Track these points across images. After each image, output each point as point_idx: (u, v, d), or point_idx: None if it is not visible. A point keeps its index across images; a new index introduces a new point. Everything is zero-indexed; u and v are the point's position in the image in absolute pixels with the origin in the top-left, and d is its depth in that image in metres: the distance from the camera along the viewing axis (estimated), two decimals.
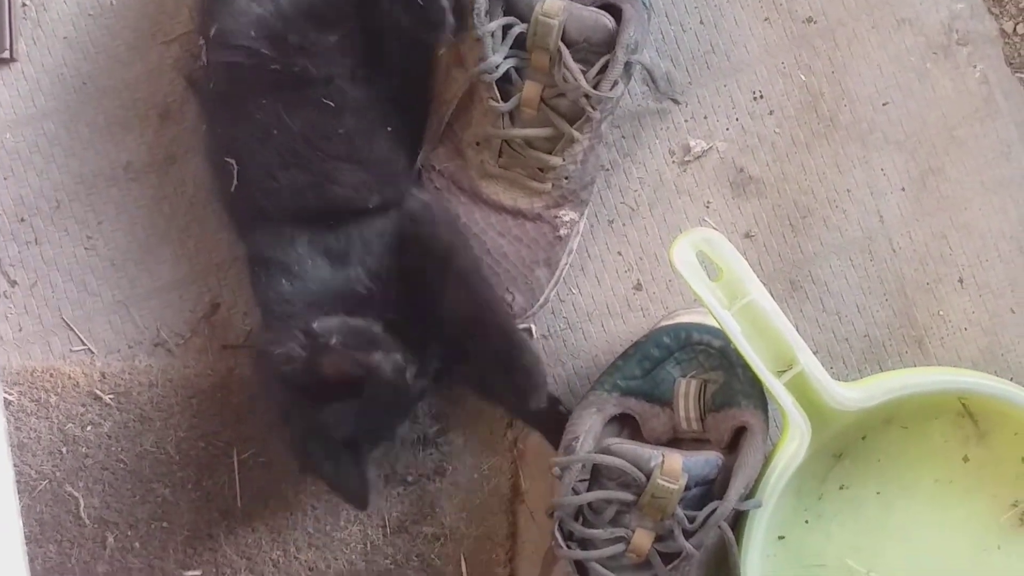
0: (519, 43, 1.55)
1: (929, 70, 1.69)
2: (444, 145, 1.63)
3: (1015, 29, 1.69)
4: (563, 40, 1.53)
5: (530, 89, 1.55)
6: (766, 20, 1.69)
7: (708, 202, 1.69)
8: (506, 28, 1.54)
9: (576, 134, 1.56)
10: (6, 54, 1.67)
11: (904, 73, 1.68)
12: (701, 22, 1.68)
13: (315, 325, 1.50)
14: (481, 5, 1.53)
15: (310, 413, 1.50)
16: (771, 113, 1.69)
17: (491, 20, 1.54)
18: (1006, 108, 1.68)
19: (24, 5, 1.69)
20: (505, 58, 1.55)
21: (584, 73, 1.54)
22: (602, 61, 1.54)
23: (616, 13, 1.55)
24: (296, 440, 1.54)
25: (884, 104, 1.68)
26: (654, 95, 1.67)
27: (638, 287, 1.69)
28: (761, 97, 1.69)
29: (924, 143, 1.68)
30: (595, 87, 1.54)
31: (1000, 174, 1.68)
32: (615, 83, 1.54)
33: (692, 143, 1.68)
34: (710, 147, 1.68)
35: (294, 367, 1.49)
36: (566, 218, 1.61)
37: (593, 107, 1.55)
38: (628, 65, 1.55)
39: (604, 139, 1.62)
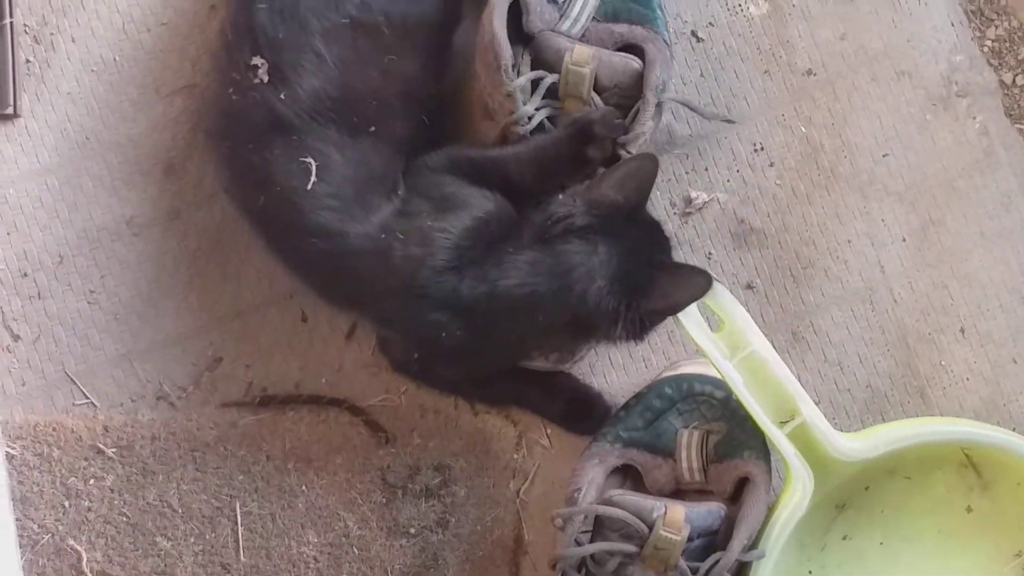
0: (551, 93, 1.56)
1: (929, 122, 1.69)
2: None
3: (1014, 81, 1.69)
4: (594, 88, 1.54)
5: None
6: (766, 73, 1.69)
7: (709, 253, 1.69)
8: (536, 81, 1.56)
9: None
10: (10, 110, 1.68)
11: (904, 125, 1.69)
12: (701, 75, 1.69)
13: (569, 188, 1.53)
14: (507, 61, 1.54)
15: None
16: (772, 165, 1.69)
17: (519, 75, 1.55)
18: (1006, 159, 1.69)
19: (28, 61, 1.69)
20: (537, 109, 1.56)
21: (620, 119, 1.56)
22: (636, 106, 1.55)
23: (639, 54, 1.57)
24: None
25: (884, 155, 1.69)
26: (707, 117, 1.68)
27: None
28: (762, 149, 1.69)
29: (924, 194, 1.69)
30: (627, 131, 1.55)
31: (1001, 225, 1.69)
32: (645, 122, 1.55)
33: (693, 195, 1.69)
34: (711, 198, 1.69)
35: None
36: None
37: (628, 151, 1.55)
38: (659, 105, 1.56)
39: None
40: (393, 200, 1.53)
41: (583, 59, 1.53)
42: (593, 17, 1.58)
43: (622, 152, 1.55)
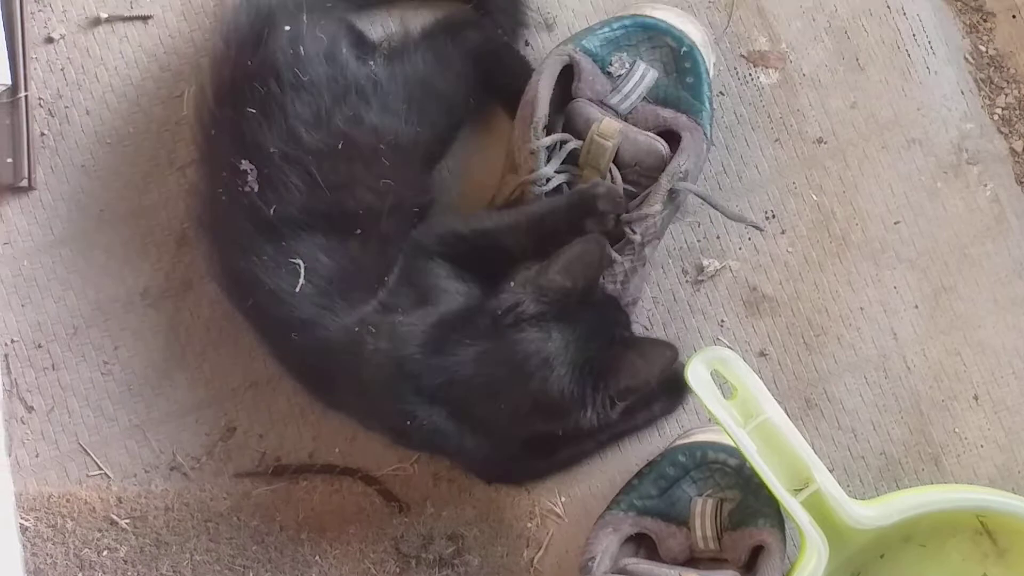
0: (572, 159, 1.57)
1: (940, 189, 1.70)
2: None
3: None
4: (615, 161, 1.55)
5: None
6: (776, 141, 1.70)
7: (722, 321, 1.69)
8: (561, 143, 1.56)
9: (616, 255, 1.57)
10: (24, 182, 1.69)
11: (915, 192, 1.69)
12: (713, 144, 1.69)
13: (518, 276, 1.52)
14: (539, 120, 1.55)
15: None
16: (783, 232, 1.69)
17: (547, 135, 1.56)
18: (1017, 226, 1.69)
19: (43, 134, 1.71)
20: (557, 172, 1.57)
21: (633, 196, 1.56)
22: (644, 193, 1.56)
23: (677, 140, 1.58)
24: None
25: (896, 223, 1.69)
26: (730, 217, 1.66)
27: None
28: (773, 217, 1.70)
29: (936, 261, 1.69)
30: (630, 210, 1.56)
31: (1013, 292, 1.69)
32: (653, 205, 1.56)
33: (705, 262, 1.69)
34: (723, 266, 1.69)
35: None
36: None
37: (633, 230, 1.56)
38: (674, 192, 1.57)
39: (649, 262, 1.63)
40: (378, 293, 1.55)
41: (609, 133, 1.54)
42: (644, 97, 1.59)
43: (627, 230, 1.56)
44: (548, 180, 1.57)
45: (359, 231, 1.54)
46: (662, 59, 1.61)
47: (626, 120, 1.58)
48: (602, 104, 1.58)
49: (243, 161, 1.53)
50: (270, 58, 1.54)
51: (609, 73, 1.59)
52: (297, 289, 1.52)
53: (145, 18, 1.72)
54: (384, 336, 1.51)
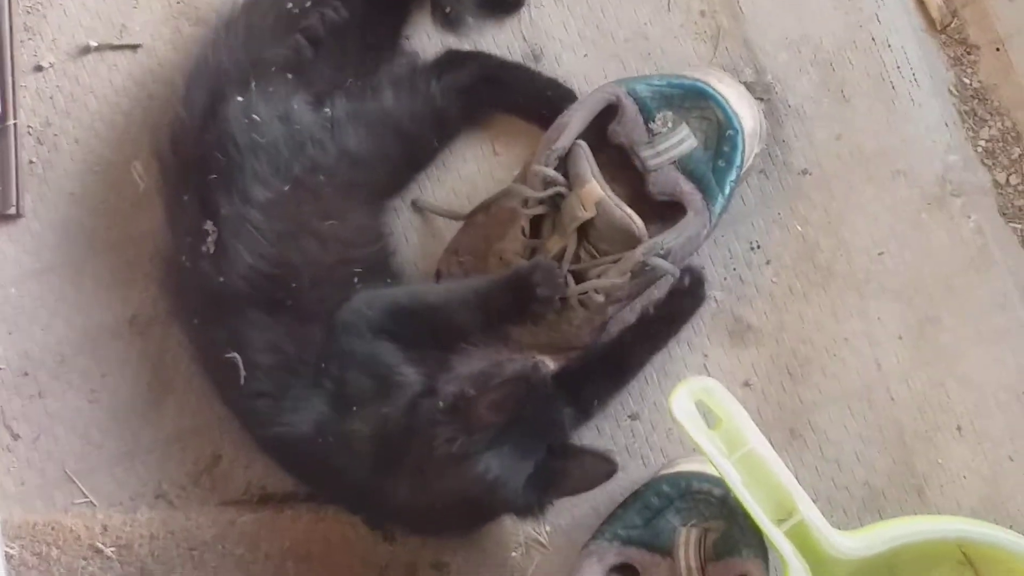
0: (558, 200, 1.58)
1: (924, 221, 1.70)
2: (472, 237, 1.67)
3: (1008, 180, 1.71)
4: (589, 225, 1.56)
5: (552, 243, 1.59)
6: (762, 172, 1.70)
7: (706, 351, 1.70)
8: (553, 184, 1.57)
9: (577, 304, 1.57)
10: (12, 210, 1.69)
11: (900, 224, 1.70)
12: (712, 232, 1.69)
13: (442, 392, 1.52)
14: (557, 149, 1.56)
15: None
16: (768, 263, 1.70)
17: (550, 167, 1.57)
18: (1001, 258, 1.70)
19: (31, 162, 1.71)
20: (542, 202, 1.58)
21: (601, 255, 1.58)
22: (616, 256, 1.57)
23: (681, 212, 1.58)
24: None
25: (880, 254, 1.70)
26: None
27: (637, 436, 1.69)
28: (758, 247, 1.70)
29: (921, 292, 1.69)
30: (605, 274, 1.57)
31: (996, 324, 1.69)
32: (622, 275, 1.57)
33: None
34: (708, 296, 1.69)
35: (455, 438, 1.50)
36: (547, 364, 1.61)
37: (597, 290, 1.57)
38: (647, 266, 1.57)
39: (613, 320, 1.64)
40: (324, 384, 1.56)
41: (588, 202, 1.55)
42: (674, 161, 1.59)
43: (592, 293, 1.57)
44: (534, 203, 1.58)
45: (290, 302, 1.55)
46: (706, 131, 1.60)
47: (648, 176, 1.59)
48: (632, 152, 1.59)
49: (207, 222, 1.55)
50: (227, 129, 1.56)
51: (649, 127, 1.59)
52: (241, 382, 1.55)
53: (134, 47, 1.73)
54: (344, 454, 1.55)
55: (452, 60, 1.69)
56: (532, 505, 1.52)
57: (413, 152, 1.67)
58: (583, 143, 1.57)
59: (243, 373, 1.54)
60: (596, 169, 1.56)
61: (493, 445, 1.49)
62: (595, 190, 1.55)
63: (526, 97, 1.70)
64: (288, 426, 1.54)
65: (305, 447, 1.55)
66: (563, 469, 1.52)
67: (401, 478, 1.53)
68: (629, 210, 1.55)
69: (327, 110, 1.60)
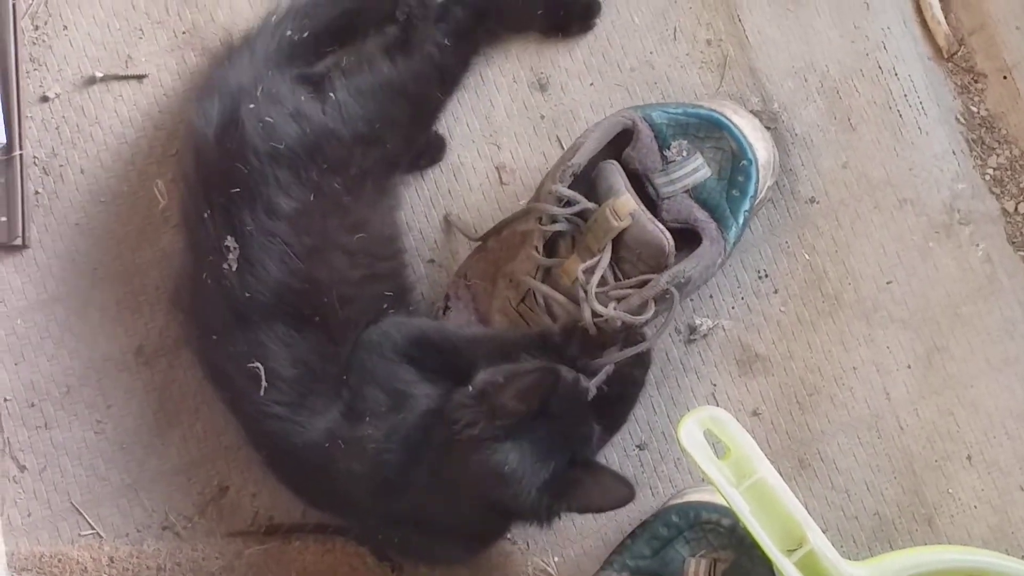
0: (585, 214, 1.57)
1: (932, 249, 1.70)
2: (481, 262, 1.66)
3: (1016, 208, 1.70)
4: (618, 240, 1.55)
5: (572, 263, 1.58)
6: (769, 201, 1.70)
7: (715, 380, 1.69)
8: (575, 201, 1.57)
9: (590, 322, 1.57)
10: (18, 241, 1.69)
11: (907, 252, 1.70)
12: (727, 261, 1.69)
13: (477, 380, 1.52)
14: (573, 166, 1.56)
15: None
16: (776, 292, 1.70)
17: (567, 187, 1.56)
18: (1009, 286, 1.69)
19: (37, 193, 1.71)
20: (563, 219, 1.57)
21: (624, 277, 1.57)
22: (642, 279, 1.56)
23: (696, 241, 1.58)
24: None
25: (888, 283, 1.70)
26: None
27: (646, 465, 1.69)
28: (766, 276, 1.70)
29: (929, 321, 1.69)
30: (626, 299, 1.56)
31: (1005, 352, 1.69)
32: (646, 312, 1.56)
33: (698, 322, 1.69)
34: (716, 325, 1.69)
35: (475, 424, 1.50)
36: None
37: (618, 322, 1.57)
38: (667, 294, 1.56)
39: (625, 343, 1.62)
40: (342, 395, 1.56)
41: (622, 212, 1.54)
42: (687, 190, 1.59)
43: (612, 323, 1.57)
44: (554, 220, 1.58)
45: (317, 318, 1.55)
46: (720, 161, 1.60)
47: (661, 203, 1.59)
48: (646, 178, 1.59)
49: (228, 238, 1.55)
50: (246, 137, 1.56)
51: (664, 155, 1.59)
52: (262, 392, 1.54)
53: (140, 77, 1.73)
54: (355, 455, 1.53)
55: (440, 11, 1.68)
56: (541, 510, 1.50)
57: (420, 112, 1.67)
58: (615, 161, 1.57)
59: (264, 384, 1.54)
60: (628, 183, 1.56)
61: (514, 437, 1.48)
62: (629, 201, 1.55)
63: (522, 9, 1.71)
64: (300, 427, 1.54)
65: (314, 457, 1.54)
66: (581, 483, 1.50)
67: (419, 467, 1.52)
68: (661, 225, 1.55)
69: (331, 94, 1.61)
